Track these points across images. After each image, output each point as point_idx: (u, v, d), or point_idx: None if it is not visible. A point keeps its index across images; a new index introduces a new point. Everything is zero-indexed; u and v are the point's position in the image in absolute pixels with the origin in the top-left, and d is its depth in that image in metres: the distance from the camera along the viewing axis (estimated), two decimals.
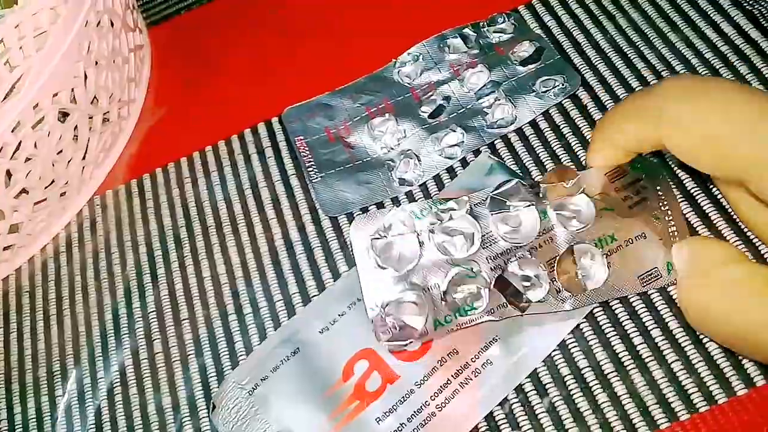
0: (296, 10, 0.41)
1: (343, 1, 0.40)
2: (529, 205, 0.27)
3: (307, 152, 0.34)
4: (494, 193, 0.27)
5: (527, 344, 0.27)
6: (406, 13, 0.38)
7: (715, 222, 0.28)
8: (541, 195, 0.27)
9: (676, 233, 0.26)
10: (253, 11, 0.42)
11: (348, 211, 0.32)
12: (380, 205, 0.32)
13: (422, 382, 0.27)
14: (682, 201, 0.29)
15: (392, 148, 0.34)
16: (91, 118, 0.35)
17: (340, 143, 0.35)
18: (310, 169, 0.34)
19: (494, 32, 0.36)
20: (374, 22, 0.39)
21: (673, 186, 0.28)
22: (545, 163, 0.32)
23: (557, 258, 0.27)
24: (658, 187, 0.27)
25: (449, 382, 0.27)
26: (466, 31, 0.36)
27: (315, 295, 0.31)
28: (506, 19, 0.36)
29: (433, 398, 0.26)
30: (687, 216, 0.29)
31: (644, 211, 0.27)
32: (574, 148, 0.32)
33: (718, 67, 0.32)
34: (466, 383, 0.27)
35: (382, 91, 0.36)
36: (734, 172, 0.22)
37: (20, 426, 0.31)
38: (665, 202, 0.27)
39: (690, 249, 0.25)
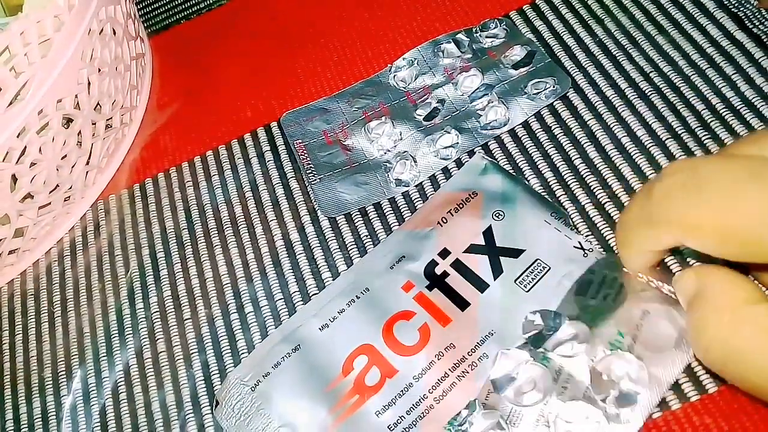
0: (293, 18, 0.42)
1: (338, 9, 0.41)
2: (527, 363, 0.26)
3: (306, 155, 0.35)
4: (496, 376, 0.27)
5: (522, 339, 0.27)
6: (400, 20, 0.39)
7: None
8: (535, 345, 0.27)
9: (671, 291, 0.26)
10: (251, 20, 0.43)
11: (346, 211, 0.33)
12: (377, 206, 0.33)
13: (420, 375, 0.27)
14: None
15: (389, 150, 0.34)
16: (94, 124, 0.35)
17: (338, 146, 0.35)
18: (309, 171, 0.35)
19: (487, 37, 0.37)
20: (370, 28, 0.40)
21: None
22: (537, 163, 0.32)
23: (589, 387, 0.26)
24: (624, 269, 0.27)
25: (447, 375, 0.27)
26: (460, 36, 0.37)
27: (315, 293, 0.31)
28: (498, 24, 0.37)
29: (431, 391, 0.27)
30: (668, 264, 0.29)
31: (630, 293, 0.27)
32: (565, 147, 0.33)
33: (704, 68, 0.33)
34: (463, 376, 0.27)
35: (379, 95, 0.37)
36: (762, 258, 0.21)
37: (26, 425, 0.31)
38: (639, 275, 0.27)
39: (711, 282, 0.23)
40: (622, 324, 0.26)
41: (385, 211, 0.33)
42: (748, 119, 0.31)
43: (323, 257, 0.32)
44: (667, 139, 0.31)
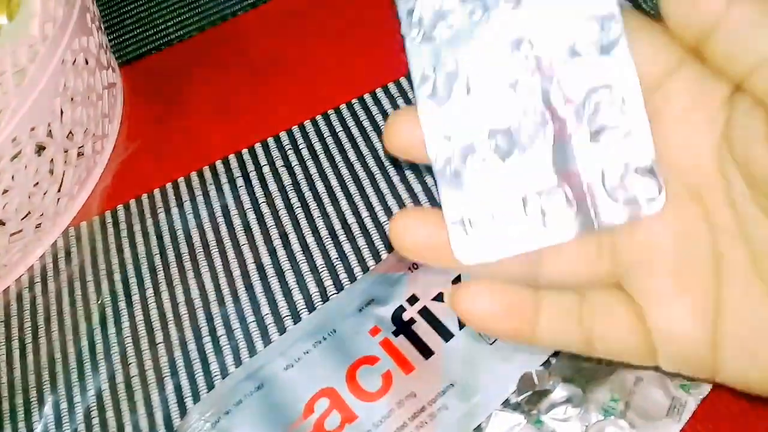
0: (261, 49, 0.43)
1: (307, 42, 0.42)
2: (521, 425, 0.27)
3: None
4: None
5: (482, 391, 0.28)
6: (369, 53, 0.41)
7: None
8: (526, 408, 0.27)
9: None
10: (219, 51, 0.44)
11: None
12: (348, 229, 0.34)
13: (380, 422, 0.27)
14: None
15: None
16: (66, 151, 0.36)
17: None
18: None
19: None
20: (337, 60, 0.41)
21: None
22: None
23: None
24: None
25: (405, 424, 0.27)
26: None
27: (287, 316, 0.32)
28: None
29: None
30: None
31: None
32: None
33: None
34: (422, 426, 0.27)
35: None
36: None
37: None
38: None
39: None
40: (615, 389, 0.26)
41: (355, 235, 0.34)
42: None
43: (295, 280, 0.33)
44: None
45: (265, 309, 0.33)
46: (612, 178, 0.16)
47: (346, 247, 0.34)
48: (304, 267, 0.33)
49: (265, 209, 0.36)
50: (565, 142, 0.17)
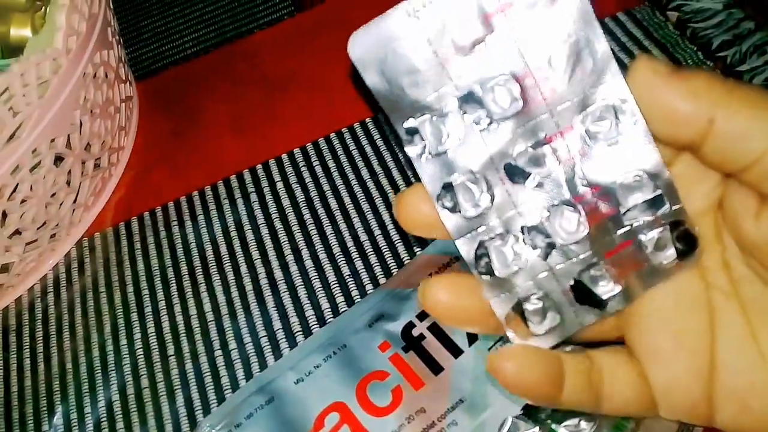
0: (276, 66, 0.43)
1: (321, 57, 0.43)
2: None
3: None
4: None
5: (491, 407, 0.28)
6: None
7: None
8: (540, 417, 0.27)
9: None
10: (235, 68, 0.44)
11: None
12: (359, 246, 0.34)
13: None
14: None
15: None
16: (83, 163, 0.36)
17: None
18: None
19: None
20: (348, 79, 0.41)
21: None
22: None
23: None
24: None
25: None
26: None
27: (298, 331, 0.32)
28: None
29: None
30: None
31: None
32: None
33: None
34: None
35: None
36: None
37: None
38: None
39: None
40: None
41: (367, 252, 0.34)
42: None
43: (307, 295, 0.33)
44: None
45: (277, 324, 0.33)
46: (650, 245, 0.18)
47: (358, 264, 0.34)
48: (317, 283, 0.34)
49: (278, 225, 0.36)
50: (599, 224, 0.17)
